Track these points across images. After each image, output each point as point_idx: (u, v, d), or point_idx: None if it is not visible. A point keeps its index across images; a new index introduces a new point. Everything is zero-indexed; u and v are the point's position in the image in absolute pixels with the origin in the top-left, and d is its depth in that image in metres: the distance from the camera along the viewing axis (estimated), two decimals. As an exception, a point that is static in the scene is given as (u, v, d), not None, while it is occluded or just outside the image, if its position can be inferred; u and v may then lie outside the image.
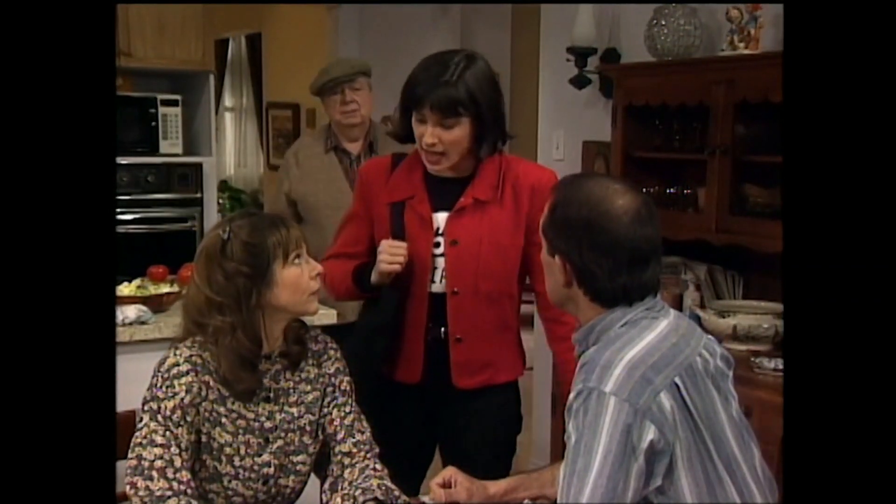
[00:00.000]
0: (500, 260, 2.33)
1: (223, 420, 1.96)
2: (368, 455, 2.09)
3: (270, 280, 1.95)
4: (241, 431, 1.97)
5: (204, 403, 1.93)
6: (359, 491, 1.99)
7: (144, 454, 1.86)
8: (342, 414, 2.10)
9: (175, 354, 1.94)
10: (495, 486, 2.06)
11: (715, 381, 1.66)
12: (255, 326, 1.96)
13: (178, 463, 1.86)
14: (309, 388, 2.07)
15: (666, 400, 1.55)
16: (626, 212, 1.65)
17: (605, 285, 1.67)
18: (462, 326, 2.34)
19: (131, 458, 1.86)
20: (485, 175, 2.33)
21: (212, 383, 1.95)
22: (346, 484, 2.04)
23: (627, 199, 1.66)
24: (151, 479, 1.83)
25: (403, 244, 2.31)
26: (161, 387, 1.91)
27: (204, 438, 1.94)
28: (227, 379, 1.95)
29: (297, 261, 1.98)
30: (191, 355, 1.94)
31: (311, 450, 2.08)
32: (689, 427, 1.58)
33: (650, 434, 1.52)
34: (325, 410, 2.09)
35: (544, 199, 2.24)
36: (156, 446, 1.86)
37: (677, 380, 1.58)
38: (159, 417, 1.88)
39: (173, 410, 1.89)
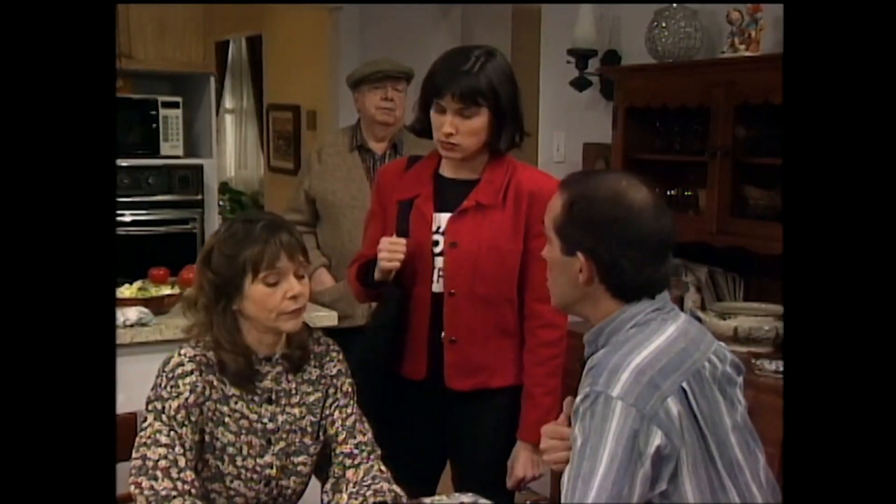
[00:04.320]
0: (498, 264, 2.33)
1: (226, 420, 1.97)
2: (371, 456, 2.09)
3: (242, 292, 1.97)
4: (243, 432, 1.98)
5: (207, 403, 1.95)
6: (370, 491, 2.00)
7: (149, 454, 1.87)
8: (343, 415, 2.11)
9: (179, 354, 1.97)
10: None
11: (721, 387, 1.66)
12: (229, 330, 1.99)
13: (182, 463, 1.87)
14: (311, 389, 2.08)
15: (673, 405, 1.55)
16: (647, 205, 1.66)
17: (631, 278, 1.66)
18: (457, 328, 2.35)
19: (136, 458, 1.88)
20: (490, 179, 2.35)
21: (215, 383, 1.96)
22: (350, 485, 2.04)
23: (644, 193, 1.67)
24: (156, 478, 1.84)
25: (402, 241, 2.33)
26: (165, 386, 1.93)
27: (207, 438, 1.96)
28: (233, 378, 1.98)
29: (269, 279, 1.96)
30: (195, 355, 1.96)
31: (312, 451, 2.08)
32: (695, 433, 1.58)
33: (657, 439, 1.52)
34: (327, 412, 2.10)
35: (542, 206, 2.25)
36: (160, 446, 1.88)
37: (685, 385, 1.58)
38: (164, 417, 1.90)
39: (177, 410, 1.91)
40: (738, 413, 1.68)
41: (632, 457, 1.50)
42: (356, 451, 2.09)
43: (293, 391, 2.06)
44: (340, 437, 2.10)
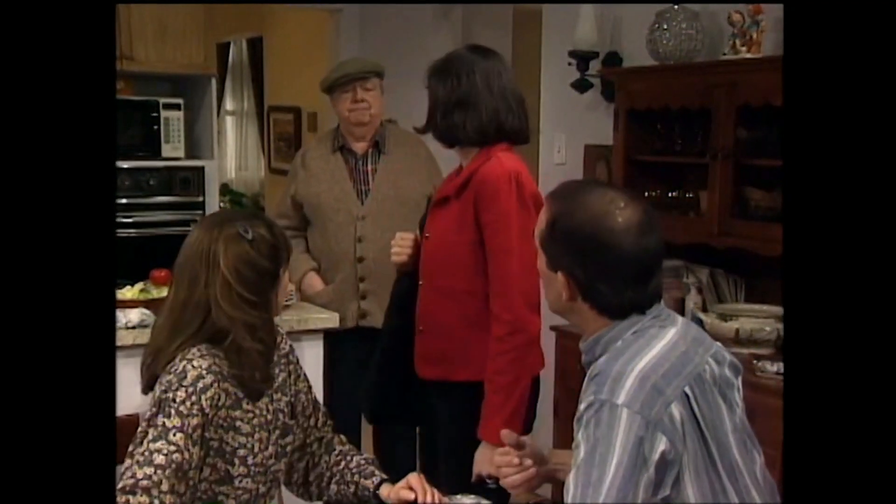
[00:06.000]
0: (448, 255, 2.39)
1: (238, 423, 1.96)
2: (331, 427, 2.23)
3: (279, 280, 2.02)
4: (255, 430, 1.99)
5: (220, 412, 1.93)
6: (359, 477, 2.14)
7: (140, 473, 1.81)
8: (305, 388, 2.17)
9: (195, 366, 1.90)
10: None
11: (722, 390, 1.66)
12: (272, 321, 2.03)
13: (165, 487, 1.80)
14: (277, 371, 2.10)
15: (676, 410, 1.55)
16: (630, 225, 1.63)
17: (611, 300, 1.66)
18: (423, 318, 2.44)
19: (129, 479, 1.79)
20: (464, 172, 2.41)
21: (230, 389, 1.95)
22: (334, 470, 2.17)
23: (629, 212, 1.64)
24: (135, 493, 1.78)
25: (410, 236, 2.48)
26: (185, 401, 1.86)
27: (216, 444, 1.93)
28: (247, 380, 1.97)
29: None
30: (210, 365, 1.92)
31: (295, 430, 2.13)
32: (697, 437, 1.58)
33: (661, 445, 1.52)
34: (293, 389, 2.13)
35: (483, 195, 2.31)
36: (152, 465, 1.81)
37: (687, 389, 1.58)
38: (177, 436, 1.83)
39: (195, 429, 1.86)
40: (736, 416, 1.68)
41: (636, 463, 1.51)
42: (321, 425, 2.20)
43: (272, 378, 2.09)
44: (308, 412, 2.17)
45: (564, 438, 3.52)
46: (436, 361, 2.43)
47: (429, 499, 2.02)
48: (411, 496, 2.03)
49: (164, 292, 3.11)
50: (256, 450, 1.99)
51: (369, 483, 2.10)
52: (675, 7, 3.44)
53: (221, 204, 6.64)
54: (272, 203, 7.23)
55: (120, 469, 1.80)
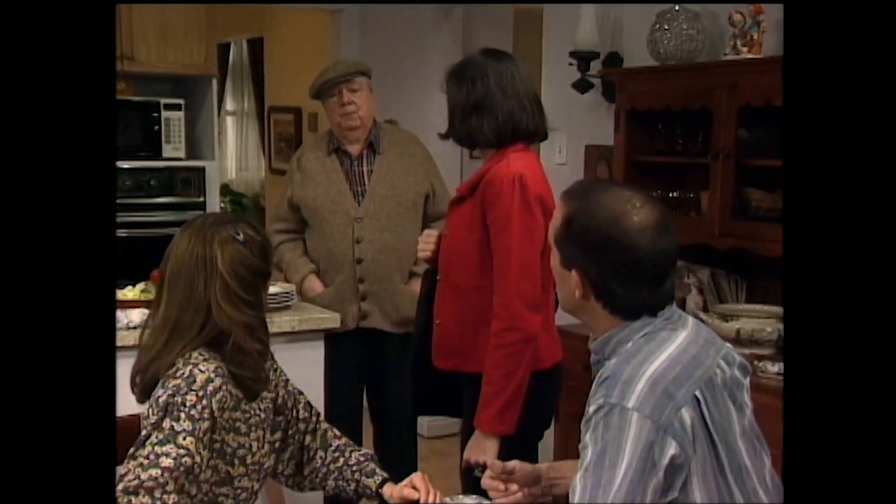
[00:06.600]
0: (459, 253, 2.46)
1: (237, 424, 1.97)
2: (320, 418, 2.22)
3: (270, 278, 2.06)
4: (252, 429, 2.00)
5: (224, 414, 1.93)
6: (357, 473, 2.15)
7: (145, 474, 1.79)
8: (284, 380, 2.17)
9: (202, 369, 1.90)
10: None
11: (731, 393, 1.66)
12: (265, 321, 2.04)
13: (170, 488, 1.80)
14: None
15: (687, 415, 1.55)
16: (646, 227, 1.63)
17: (624, 300, 1.66)
18: (439, 311, 2.52)
19: (132, 480, 1.78)
20: (478, 172, 2.48)
21: (233, 391, 1.95)
22: (331, 467, 2.16)
23: (645, 213, 1.64)
24: (137, 494, 1.77)
25: (435, 232, 2.60)
26: (196, 405, 1.86)
27: (218, 446, 1.94)
28: (247, 381, 1.97)
29: None
30: (216, 367, 1.92)
31: (282, 424, 2.14)
32: (706, 441, 1.58)
33: (671, 450, 1.52)
34: (273, 384, 2.13)
35: (489, 194, 2.37)
36: (159, 467, 1.80)
37: (697, 393, 1.58)
38: (186, 440, 1.82)
39: (205, 432, 1.87)
40: (745, 418, 1.68)
41: (646, 468, 1.51)
42: (306, 415, 2.19)
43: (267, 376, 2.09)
44: (290, 403, 2.16)
45: (564, 437, 3.52)
46: (449, 353, 2.50)
47: (431, 498, 2.03)
48: (415, 495, 2.03)
49: (164, 293, 3.11)
50: (254, 449, 2.00)
51: (371, 482, 2.11)
52: (676, 7, 3.44)
53: (222, 204, 6.65)
54: (272, 203, 7.24)
55: (120, 470, 1.79)
